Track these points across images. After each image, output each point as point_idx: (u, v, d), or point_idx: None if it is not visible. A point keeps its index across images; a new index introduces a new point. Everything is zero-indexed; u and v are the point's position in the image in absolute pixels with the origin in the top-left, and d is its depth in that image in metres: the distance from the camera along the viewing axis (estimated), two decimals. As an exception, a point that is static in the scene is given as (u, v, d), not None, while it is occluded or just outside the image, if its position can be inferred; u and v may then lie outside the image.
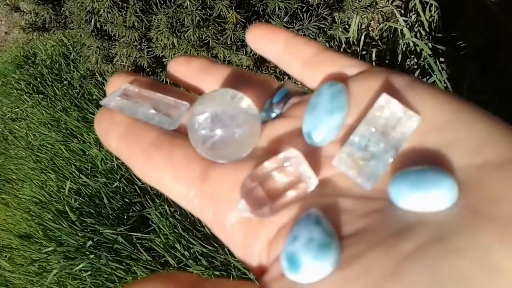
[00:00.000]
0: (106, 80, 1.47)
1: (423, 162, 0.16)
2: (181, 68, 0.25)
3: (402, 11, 1.47)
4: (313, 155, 0.19)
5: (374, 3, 1.38)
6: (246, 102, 0.20)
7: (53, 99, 1.88)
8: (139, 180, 1.47)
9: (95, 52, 1.22)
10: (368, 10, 1.34)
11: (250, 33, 0.24)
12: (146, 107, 0.22)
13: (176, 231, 1.28)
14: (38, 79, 2.00)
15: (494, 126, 0.16)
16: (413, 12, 1.44)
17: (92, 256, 1.39)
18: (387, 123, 0.17)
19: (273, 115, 0.22)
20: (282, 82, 0.23)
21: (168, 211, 1.33)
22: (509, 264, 0.13)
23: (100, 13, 0.99)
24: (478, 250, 0.13)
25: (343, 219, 0.17)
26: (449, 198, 0.15)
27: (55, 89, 1.90)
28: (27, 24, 1.29)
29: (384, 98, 0.18)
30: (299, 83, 0.24)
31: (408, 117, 0.17)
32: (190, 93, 0.24)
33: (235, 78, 0.24)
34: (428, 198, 0.15)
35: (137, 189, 1.45)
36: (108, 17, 1.01)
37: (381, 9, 1.46)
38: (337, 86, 0.19)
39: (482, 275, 0.13)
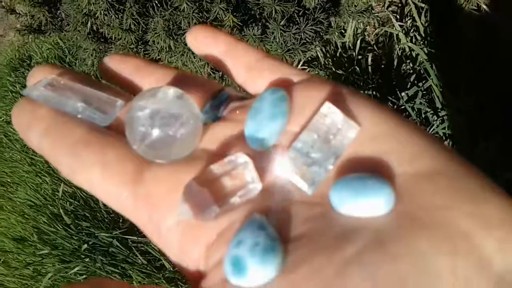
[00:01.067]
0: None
1: (362, 169, 0.17)
2: (116, 66, 0.23)
3: (398, 16, 1.48)
4: (255, 159, 0.19)
5: (370, 8, 1.39)
6: (189, 101, 0.20)
7: (49, 102, 1.87)
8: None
9: (91, 55, 1.22)
10: (364, 15, 1.35)
11: (191, 34, 0.23)
12: (75, 100, 0.21)
13: (172, 234, 1.28)
14: (34, 81, 1.99)
15: (425, 139, 0.17)
16: (409, 17, 1.45)
17: (87, 259, 1.38)
18: (329, 131, 0.18)
19: (213, 117, 0.22)
20: (222, 86, 0.23)
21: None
22: (442, 267, 0.14)
23: (96, 15, 0.99)
24: (414, 254, 0.14)
25: (286, 224, 0.17)
26: (387, 205, 0.16)
27: (51, 92, 1.90)
28: (22, 27, 1.29)
29: (327, 106, 0.18)
30: (240, 88, 0.24)
31: (348, 126, 0.18)
32: (124, 92, 0.23)
33: (175, 78, 0.23)
34: (368, 204, 0.16)
35: (133, 192, 1.45)
36: (104, 20, 1.01)
37: (377, 14, 1.47)
38: (279, 92, 0.19)
39: (419, 277, 0.14)
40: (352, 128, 0.18)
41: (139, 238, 1.33)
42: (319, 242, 0.15)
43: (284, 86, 0.20)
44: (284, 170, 0.18)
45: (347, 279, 0.14)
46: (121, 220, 1.43)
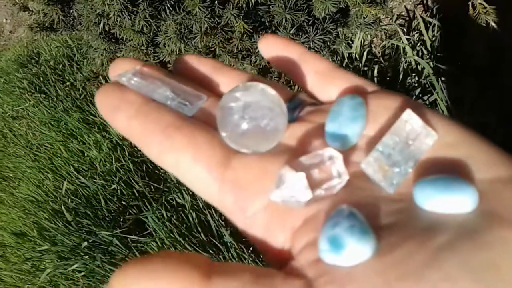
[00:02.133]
0: (109, 83, 1.48)
1: (440, 173, 0.18)
2: (192, 65, 0.25)
3: (405, 30, 1.49)
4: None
5: (378, 21, 1.40)
6: (278, 98, 0.21)
7: (55, 99, 1.89)
8: (137, 183, 1.47)
9: (101, 55, 1.23)
10: (371, 27, 1.36)
11: (264, 40, 0.25)
12: (164, 89, 0.22)
13: (172, 235, 1.29)
14: (41, 78, 2.01)
15: (495, 148, 0.19)
16: (416, 31, 1.46)
17: (86, 257, 1.38)
18: (408, 136, 0.19)
19: (290, 119, 0.23)
20: (296, 91, 0.24)
21: (165, 215, 1.33)
22: None
23: (109, 16, 1.01)
24: (505, 243, 0.15)
25: (372, 215, 0.18)
26: (472, 203, 0.17)
27: (57, 89, 1.91)
28: (35, 24, 1.30)
29: (408, 113, 0.20)
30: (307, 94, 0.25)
31: (427, 133, 0.19)
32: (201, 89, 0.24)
33: (250, 80, 0.24)
34: (453, 201, 0.17)
35: (135, 192, 1.46)
36: (117, 21, 1.02)
37: (384, 26, 1.48)
38: (358, 98, 0.21)
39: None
40: (431, 134, 0.19)
41: (139, 238, 1.34)
42: (409, 231, 0.16)
43: (356, 93, 0.22)
44: (369, 168, 0.19)
45: (441, 264, 0.15)
46: (121, 220, 1.43)
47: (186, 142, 0.21)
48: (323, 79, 0.23)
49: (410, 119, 0.19)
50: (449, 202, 0.17)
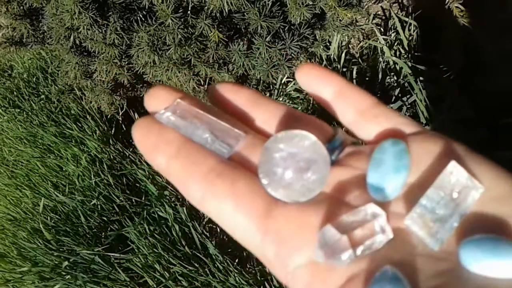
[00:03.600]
0: (84, 95, 1.44)
1: (486, 230, 0.18)
2: (229, 95, 0.24)
3: (382, 29, 1.49)
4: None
5: (354, 22, 1.39)
6: (323, 148, 0.21)
7: (30, 113, 1.84)
8: (118, 197, 1.44)
9: (74, 68, 1.20)
10: (348, 28, 1.36)
11: (302, 70, 0.24)
12: (203, 130, 0.22)
13: (156, 250, 1.26)
14: (15, 92, 1.96)
15: None
16: (393, 30, 1.46)
17: (68, 276, 1.35)
18: (453, 189, 0.19)
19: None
20: (334, 128, 0.23)
21: (147, 230, 1.30)
22: None
23: (79, 30, 0.98)
24: None
25: (415, 276, 0.17)
26: None
27: (32, 103, 1.86)
28: (3, 39, 1.26)
29: (453, 165, 0.19)
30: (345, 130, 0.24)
31: (473, 186, 0.18)
32: (238, 122, 0.24)
33: (288, 116, 0.23)
34: (502, 265, 0.16)
35: (116, 207, 1.42)
36: (87, 34, 0.99)
37: (361, 27, 1.47)
38: (401, 145, 0.20)
39: None
40: (477, 187, 0.18)
41: (121, 255, 1.31)
42: None
43: (397, 136, 0.21)
44: (413, 224, 0.18)
45: None
46: (103, 236, 1.40)
47: (227, 190, 0.20)
48: (364, 117, 0.23)
49: (455, 171, 0.19)
50: (498, 266, 0.16)
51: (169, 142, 0.21)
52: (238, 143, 0.22)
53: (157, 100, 0.23)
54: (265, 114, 0.23)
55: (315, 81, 0.24)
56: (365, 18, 1.53)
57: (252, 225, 0.20)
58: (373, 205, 0.19)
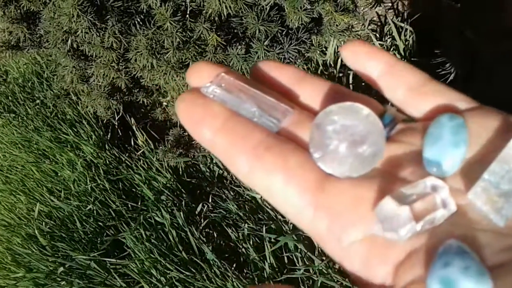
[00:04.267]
0: (80, 100, 1.44)
1: None
2: (273, 73, 0.23)
3: (378, 35, 1.50)
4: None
5: (350, 27, 1.40)
6: (378, 121, 0.19)
7: (25, 118, 1.83)
8: (114, 202, 1.43)
9: (71, 72, 1.20)
10: (344, 34, 1.36)
11: (348, 47, 0.23)
12: (250, 103, 0.21)
13: (152, 256, 1.25)
14: (10, 97, 1.95)
15: None
16: (389, 36, 1.47)
17: (63, 282, 1.33)
18: None
19: None
20: (385, 105, 0.22)
21: (144, 235, 1.29)
22: None
23: (77, 33, 0.97)
24: None
25: (481, 251, 0.16)
26: None
27: (27, 108, 1.85)
28: (0, 43, 1.26)
29: None
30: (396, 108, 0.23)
31: None
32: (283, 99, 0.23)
33: (335, 94, 0.22)
34: None
35: (112, 212, 1.41)
36: (85, 38, 0.99)
37: (357, 32, 1.48)
38: (458, 119, 0.19)
39: None
40: None
41: (117, 260, 1.30)
42: None
43: (452, 111, 0.20)
44: (477, 199, 0.18)
45: None
46: (99, 241, 1.39)
47: (277, 163, 0.19)
48: (416, 94, 0.21)
49: None
50: None
51: (215, 116, 0.21)
52: (286, 118, 0.21)
53: (200, 74, 0.22)
54: (311, 90, 0.22)
55: (362, 57, 0.23)
56: (361, 24, 1.54)
57: (304, 199, 0.19)
58: (434, 178, 0.18)
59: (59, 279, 1.35)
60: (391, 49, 1.43)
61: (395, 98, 0.22)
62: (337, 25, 1.32)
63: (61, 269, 1.33)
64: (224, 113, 0.21)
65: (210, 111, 0.21)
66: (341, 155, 0.19)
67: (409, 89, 0.22)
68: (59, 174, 1.62)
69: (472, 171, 0.19)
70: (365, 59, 0.23)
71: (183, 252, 1.23)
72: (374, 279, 0.18)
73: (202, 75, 0.22)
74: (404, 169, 0.19)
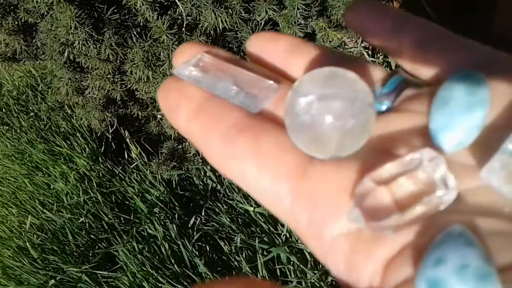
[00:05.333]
0: (74, 113, 1.44)
1: None
2: (266, 45, 0.20)
3: (370, 52, 1.52)
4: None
5: (343, 44, 1.43)
6: (362, 86, 0.16)
7: (19, 130, 1.83)
8: (106, 215, 1.43)
9: (66, 84, 1.20)
10: (337, 50, 1.38)
11: (350, 10, 0.20)
12: (226, 82, 0.19)
13: (144, 269, 1.24)
14: (4, 110, 1.95)
15: None
16: (381, 53, 1.50)
17: (53, 295, 1.32)
18: None
19: (384, 107, 0.18)
20: (394, 69, 0.19)
21: (136, 247, 1.28)
22: None
23: (74, 45, 0.99)
24: None
25: (494, 244, 0.13)
26: None
27: (21, 120, 1.85)
28: (-4, 55, 1.26)
29: None
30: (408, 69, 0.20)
31: None
32: (274, 74, 0.20)
33: (334, 61, 0.19)
34: None
35: (104, 224, 1.41)
36: (82, 49, 1.00)
37: (349, 49, 1.51)
38: (475, 76, 0.15)
39: None
40: None
41: (109, 273, 1.29)
42: None
43: (471, 67, 0.17)
44: (493, 177, 0.14)
45: None
46: (91, 254, 1.38)
47: (250, 148, 0.17)
48: (429, 49, 0.18)
49: None
50: None
51: (190, 99, 0.19)
52: (269, 95, 0.18)
53: (184, 56, 0.20)
54: (305, 60, 0.20)
55: (368, 17, 0.20)
56: (354, 41, 1.57)
57: (282, 187, 0.16)
58: (429, 150, 0.15)
59: (49, 292, 1.33)
60: (384, 65, 1.46)
61: (405, 56, 0.19)
62: (330, 41, 1.34)
63: (52, 281, 1.31)
64: (200, 96, 0.19)
65: (185, 94, 0.19)
66: (320, 132, 0.16)
67: (421, 43, 0.18)
68: (51, 187, 1.61)
69: (489, 143, 0.15)
70: (370, 17, 0.20)
71: (175, 265, 1.22)
72: (359, 279, 0.15)
73: (187, 57, 0.20)
74: (407, 144, 0.16)
